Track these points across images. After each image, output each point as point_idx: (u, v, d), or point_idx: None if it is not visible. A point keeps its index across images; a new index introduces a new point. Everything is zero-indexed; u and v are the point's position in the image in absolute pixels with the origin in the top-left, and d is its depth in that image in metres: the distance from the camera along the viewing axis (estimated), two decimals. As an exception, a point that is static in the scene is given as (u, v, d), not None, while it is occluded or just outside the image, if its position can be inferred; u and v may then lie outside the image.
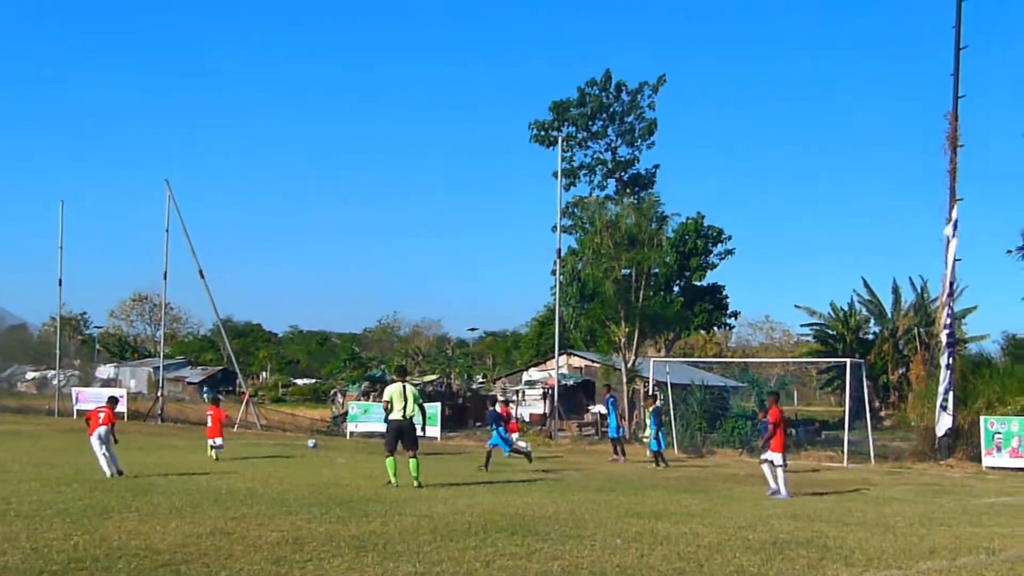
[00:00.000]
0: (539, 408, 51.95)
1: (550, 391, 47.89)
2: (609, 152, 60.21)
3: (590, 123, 59.14)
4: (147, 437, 36.67)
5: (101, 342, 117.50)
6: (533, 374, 59.82)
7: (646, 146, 59.32)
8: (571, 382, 55.31)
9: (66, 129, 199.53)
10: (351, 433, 42.25)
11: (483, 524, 13.96)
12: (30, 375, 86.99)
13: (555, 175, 52.05)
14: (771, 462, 20.28)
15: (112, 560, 10.53)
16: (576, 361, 59.67)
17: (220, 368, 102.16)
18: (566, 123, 59.16)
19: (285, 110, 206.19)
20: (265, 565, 10.43)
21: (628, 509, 16.57)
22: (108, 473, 20.46)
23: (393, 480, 19.59)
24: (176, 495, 16.73)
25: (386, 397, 20.14)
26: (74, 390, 56.95)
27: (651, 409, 30.87)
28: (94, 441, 20.93)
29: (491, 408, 28.49)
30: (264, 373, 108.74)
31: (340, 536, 12.54)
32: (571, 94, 59.44)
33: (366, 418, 43.05)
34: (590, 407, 50.84)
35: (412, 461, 19.61)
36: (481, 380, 71.29)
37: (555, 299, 48.19)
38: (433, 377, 65.54)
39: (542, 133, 59.11)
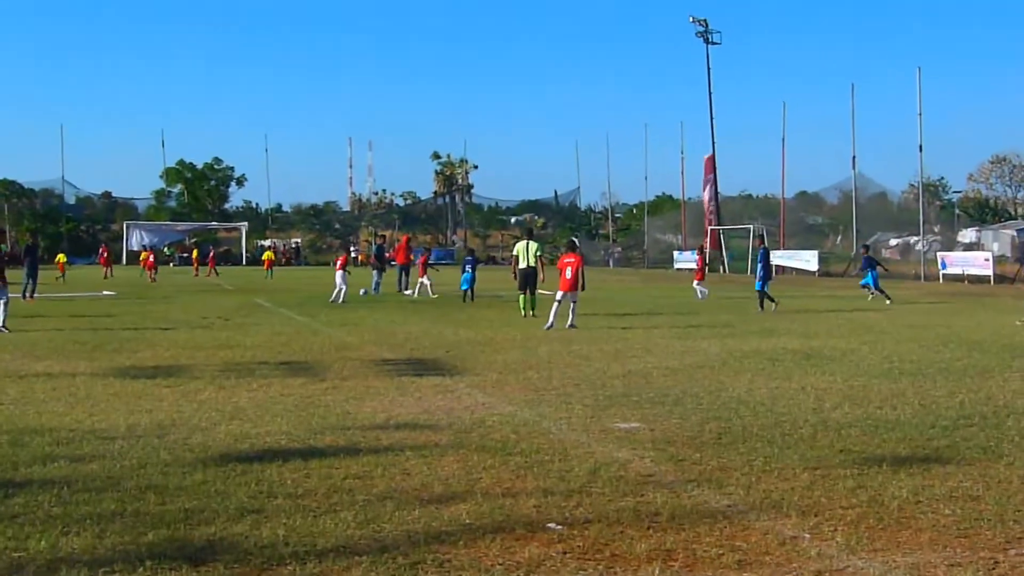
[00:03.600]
0: None
1: None
2: None
3: None
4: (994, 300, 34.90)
5: (960, 206, 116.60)
6: None
7: None
8: None
9: None
10: None
11: None
12: (893, 242, 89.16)
13: None
14: None
15: (1000, 418, 10.71)
16: None
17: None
18: None
19: None
20: None
21: None
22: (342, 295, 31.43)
23: (523, 313, 25.03)
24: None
25: (515, 252, 26.24)
26: (939, 255, 57.37)
27: None
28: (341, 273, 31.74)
29: None
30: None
31: None
32: None
33: None
34: None
35: (532, 297, 25.29)
36: None
37: None
38: None
39: None
